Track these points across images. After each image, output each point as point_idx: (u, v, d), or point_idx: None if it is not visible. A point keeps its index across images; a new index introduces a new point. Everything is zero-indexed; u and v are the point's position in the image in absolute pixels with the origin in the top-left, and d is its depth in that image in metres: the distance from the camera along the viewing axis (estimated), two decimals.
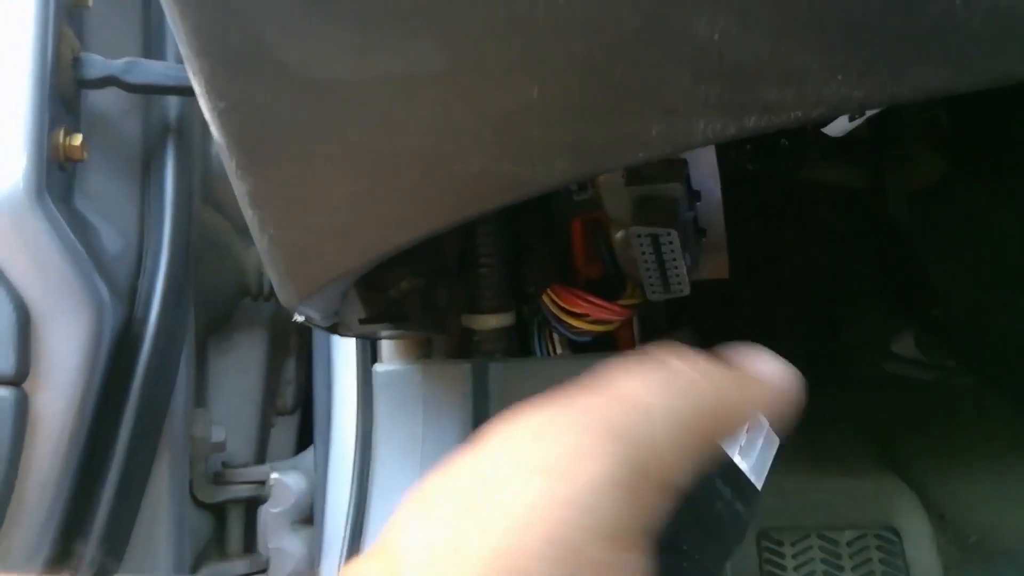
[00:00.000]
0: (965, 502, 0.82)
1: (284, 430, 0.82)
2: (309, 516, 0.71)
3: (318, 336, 0.68)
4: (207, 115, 0.31)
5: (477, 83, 0.32)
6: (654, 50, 0.31)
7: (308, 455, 0.74)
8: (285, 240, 0.35)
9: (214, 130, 0.31)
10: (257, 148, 0.32)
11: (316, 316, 0.43)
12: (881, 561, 0.74)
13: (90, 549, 0.52)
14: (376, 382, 0.54)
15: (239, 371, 0.79)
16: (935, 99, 0.32)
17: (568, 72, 0.32)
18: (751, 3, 0.30)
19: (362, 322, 0.44)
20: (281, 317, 0.81)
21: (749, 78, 0.32)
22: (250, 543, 0.73)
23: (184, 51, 0.29)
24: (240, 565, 0.70)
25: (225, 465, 0.73)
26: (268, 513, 0.70)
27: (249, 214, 0.34)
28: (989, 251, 0.83)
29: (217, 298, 0.73)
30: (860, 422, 0.90)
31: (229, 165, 0.32)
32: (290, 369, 0.83)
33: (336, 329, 0.46)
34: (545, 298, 0.54)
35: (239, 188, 0.33)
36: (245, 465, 0.74)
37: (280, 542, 0.69)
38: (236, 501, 0.72)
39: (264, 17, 0.29)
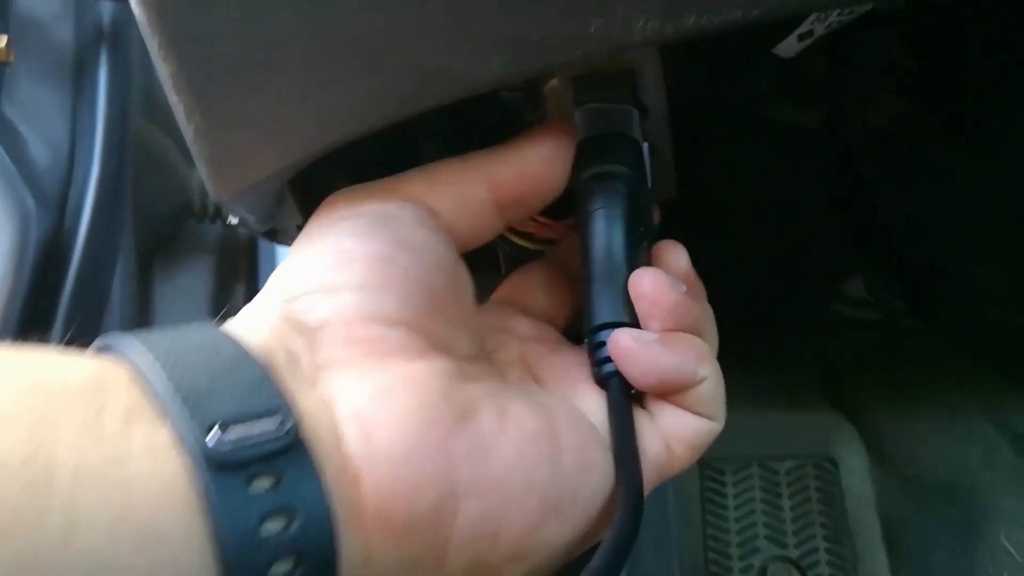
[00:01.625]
0: (908, 439, 0.84)
1: None
2: None
3: (265, 258, 0.67)
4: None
5: None
6: None
7: None
8: (210, 131, 0.33)
9: (135, 8, 0.30)
10: (179, 29, 0.31)
11: (251, 218, 0.42)
12: (817, 488, 0.76)
13: None
14: None
15: (185, 297, 0.78)
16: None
17: None
18: None
19: (299, 228, 0.43)
20: (229, 241, 0.80)
21: None
22: None
23: None
24: None
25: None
26: None
27: (173, 100, 0.33)
28: (940, 193, 0.85)
29: (159, 217, 0.72)
30: (808, 360, 0.91)
31: (151, 46, 0.31)
32: (239, 295, 0.82)
33: (274, 236, 0.45)
34: None
35: (162, 71, 0.32)
36: None
37: None
38: None
39: None
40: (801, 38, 0.47)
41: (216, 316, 0.77)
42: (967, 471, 0.79)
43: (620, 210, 0.40)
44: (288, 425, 0.25)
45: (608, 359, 0.36)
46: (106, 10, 0.57)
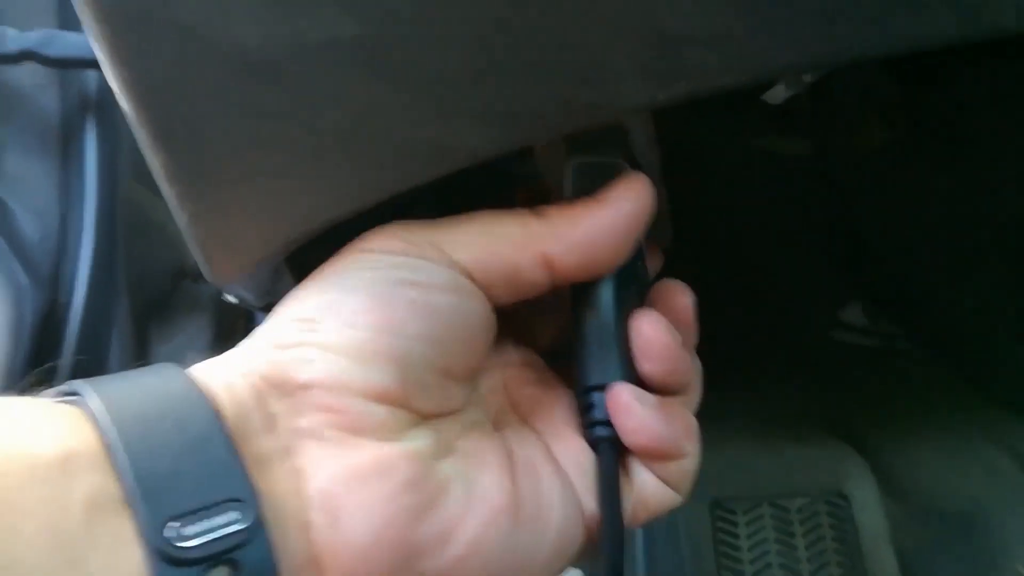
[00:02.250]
0: (912, 466, 0.84)
1: None
2: None
3: (262, 315, 0.67)
4: (113, 85, 0.29)
5: (394, 50, 0.31)
6: (580, 15, 0.30)
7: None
8: (205, 217, 0.33)
9: (121, 101, 0.30)
10: (167, 120, 0.30)
11: (248, 296, 0.41)
12: (831, 526, 0.75)
13: None
14: None
15: (183, 357, 0.77)
16: (868, 61, 0.31)
17: (491, 39, 0.31)
18: None
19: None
20: (226, 302, 0.80)
21: (676, 42, 0.31)
22: None
23: (84, 16, 0.28)
24: None
25: None
26: None
27: (166, 189, 0.33)
28: (933, 221, 0.85)
29: (153, 280, 0.71)
30: (810, 390, 0.91)
31: (140, 137, 0.31)
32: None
33: (271, 309, 0.45)
34: None
35: (152, 162, 0.32)
36: None
37: None
38: None
39: None
40: (789, 86, 0.48)
41: None
42: (977, 499, 0.78)
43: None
44: (251, 516, 0.25)
45: (600, 422, 0.36)
46: (92, 78, 0.57)
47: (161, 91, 0.30)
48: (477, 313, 0.34)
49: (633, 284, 0.41)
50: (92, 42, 0.28)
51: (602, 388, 0.36)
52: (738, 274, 0.95)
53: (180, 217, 0.33)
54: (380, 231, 0.35)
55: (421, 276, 0.33)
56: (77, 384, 0.28)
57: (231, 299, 0.39)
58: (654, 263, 0.47)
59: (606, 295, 0.39)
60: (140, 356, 0.74)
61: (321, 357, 0.30)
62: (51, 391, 0.30)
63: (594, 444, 0.36)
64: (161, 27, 0.28)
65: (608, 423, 0.36)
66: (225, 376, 0.29)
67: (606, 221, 0.36)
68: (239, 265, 0.35)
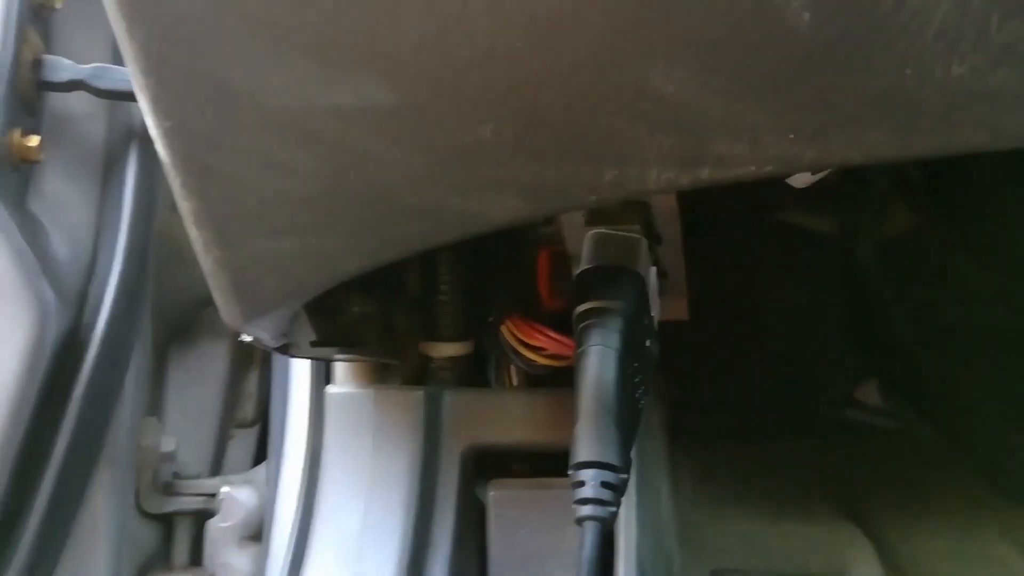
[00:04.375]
0: (924, 557, 0.82)
1: (243, 443, 0.81)
2: (258, 532, 0.70)
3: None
4: (152, 132, 0.31)
5: (428, 120, 0.32)
6: (608, 99, 0.31)
7: (262, 469, 0.73)
8: (229, 264, 0.34)
9: (158, 148, 0.31)
10: (202, 170, 0.32)
11: (264, 336, 0.42)
12: None
13: (14, 569, 0.50)
14: (327, 404, 0.54)
15: (199, 382, 0.78)
16: (886, 163, 0.32)
17: (522, 115, 0.32)
18: (707, 60, 0.30)
19: (313, 345, 0.44)
20: None
21: (702, 131, 0.32)
22: (197, 557, 0.72)
23: (130, 67, 0.29)
24: None
25: (176, 476, 0.72)
26: (215, 527, 0.69)
27: (193, 234, 0.34)
28: (953, 307, 0.84)
29: (178, 307, 0.72)
30: (822, 469, 0.89)
31: (173, 183, 0.32)
32: (252, 381, 0.82)
33: (287, 350, 0.45)
34: (504, 329, 0.54)
35: (183, 207, 0.33)
36: (198, 476, 0.73)
37: (227, 557, 0.68)
38: (185, 513, 0.71)
39: (214, 42, 0.29)
40: (814, 171, 0.48)
41: (229, 401, 0.77)
42: None
43: (614, 348, 0.40)
44: None
45: (585, 500, 0.36)
46: (137, 110, 0.58)
47: (198, 143, 0.31)
48: None
49: (638, 360, 0.41)
50: (136, 92, 0.30)
51: (595, 466, 0.36)
52: (756, 347, 0.94)
53: (204, 261, 0.34)
54: None
55: None
56: None
57: (246, 339, 0.39)
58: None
59: (608, 370, 0.39)
60: (157, 379, 0.75)
61: None
62: None
63: (580, 520, 0.36)
64: (205, 84, 0.30)
65: (597, 501, 0.36)
66: None
67: None
68: (258, 311, 0.36)
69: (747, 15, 0.29)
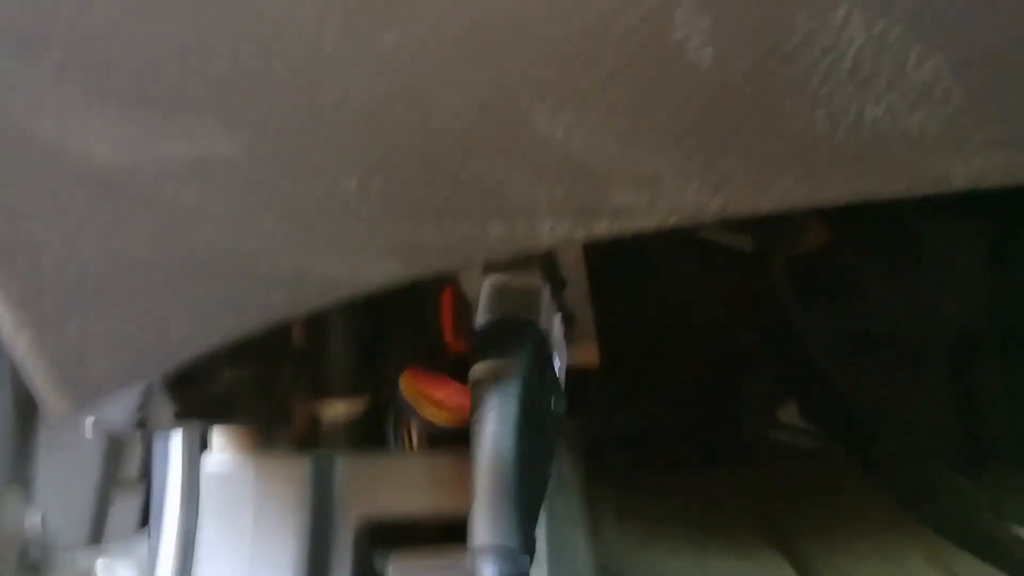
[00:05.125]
0: None
1: (128, 504, 0.74)
2: None
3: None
4: None
5: (279, 173, 0.27)
6: (489, 145, 0.27)
7: (143, 539, 0.66)
8: (46, 347, 0.28)
9: None
10: (6, 236, 0.26)
11: (111, 415, 0.37)
12: None
13: None
14: (203, 475, 0.48)
15: (72, 440, 0.71)
16: (797, 209, 0.29)
17: (391, 166, 0.27)
18: (598, 100, 0.26)
19: (177, 416, 0.38)
20: None
21: (596, 180, 0.28)
22: None
23: None
24: None
25: (49, 550, 0.64)
26: None
27: (0, 311, 0.28)
28: (864, 323, 0.83)
29: None
30: (745, 496, 0.88)
31: None
32: (135, 438, 0.75)
33: (144, 425, 0.40)
34: (403, 381, 0.49)
35: None
36: (74, 548, 0.66)
37: None
38: None
39: (8, 88, 0.24)
40: (721, 220, 0.45)
41: (110, 459, 0.70)
42: None
43: (511, 415, 0.36)
44: None
45: None
46: None
47: None
48: None
49: (541, 424, 0.38)
50: None
51: (493, 550, 0.33)
52: (674, 371, 0.92)
53: (16, 344, 0.28)
54: None
55: None
56: None
57: (89, 424, 0.34)
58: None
59: (505, 440, 0.35)
60: (22, 442, 0.67)
61: None
62: None
63: None
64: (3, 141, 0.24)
65: None
66: None
67: None
68: (87, 398, 0.30)
69: (641, 51, 0.25)
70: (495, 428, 0.35)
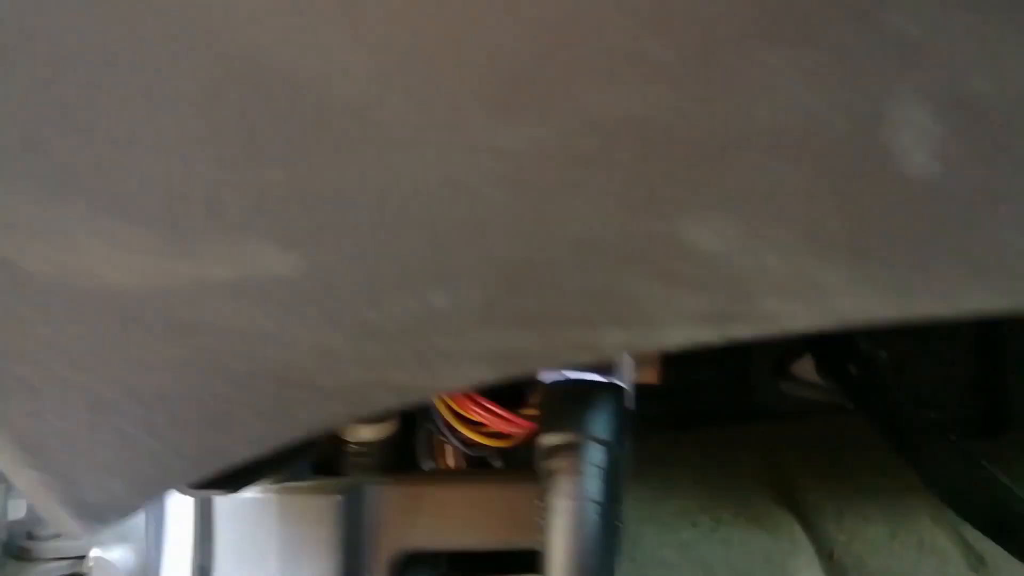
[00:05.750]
0: (860, 547, 0.81)
1: None
2: None
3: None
4: None
5: (350, 289, 0.21)
6: (621, 253, 0.21)
7: (137, 520, 0.62)
8: (53, 484, 0.23)
9: None
10: (11, 370, 0.20)
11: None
12: None
13: None
14: (217, 513, 0.43)
15: None
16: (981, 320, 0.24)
17: (490, 275, 0.21)
18: (762, 210, 0.20)
19: (191, 487, 0.33)
20: None
21: (745, 288, 0.23)
22: None
23: None
24: None
25: (31, 537, 0.60)
26: None
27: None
28: None
29: None
30: (757, 454, 0.86)
31: None
32: None
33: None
34: (438, 401, 0.44)
35: None
36: (53, 536, 0.61)
37: None
38: None
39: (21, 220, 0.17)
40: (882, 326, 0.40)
41: None
42: None
43: (594, 500, 0.31)
44: None
45: None
46: None
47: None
48: None
49: (617, 495, 0.33)
50: None
51: None
52: None
53: (18, 480, 0.23)
54: None
55: None
56: None
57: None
58: None
59: (586, 528, 0.30)
60: None
61: None
62: None
63: None
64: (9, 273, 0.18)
65: None
66: None
67: None
68: (104, 519, 0.25)
69: (852, 165, 0.19)
70: (575, 518, 0.30)
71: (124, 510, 0.25)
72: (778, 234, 0.21)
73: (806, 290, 0.23)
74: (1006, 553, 0.70)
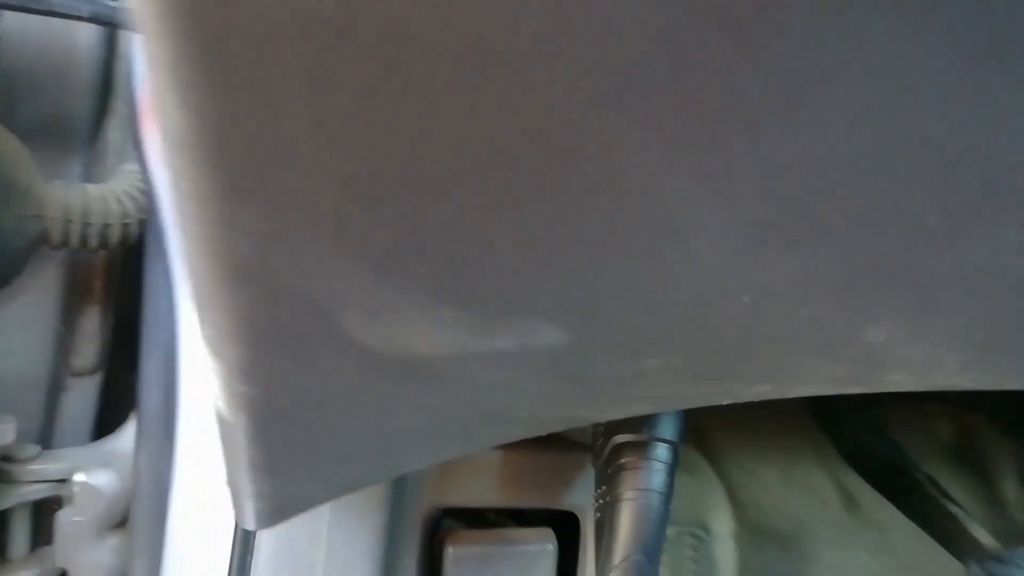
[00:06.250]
0: (758, 489, 0.90)
1: (81, 395, 0.68)
2: (120, 520, 0.60)
3: (153, 284, 0.52)
4: (219, 398, 0.20)
5: (592, 356, 0.24)
6: (802, 343, 0.25)
7: (120, 443, 0.62)
8: (275, 495, 0.25)
9: (221, 404, 0.21)
10: (282, 423, 0.22)
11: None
12: (693, 560, 0.80)
13: None
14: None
15: (22, 327, 0.63)
16: None
17: (694, 346, 0.25)
18: (937, 322, 0.25)
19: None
20: (80, 258, 0.65)
21: (884, 365, 0.27)
22: (41, 542, 0.61)
23: (207, 332, 0.18)
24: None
25: (10, 459, 0.58)
26: (69, 522, 0.58)
27: (242, 465, 0.24)
28: None
29: (6, 252, 0.56)
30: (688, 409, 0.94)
31: (238, 429, 0.22)
32: (92, 321, 0.68)
33: None
34: None
35: (238, 455, 0.23)
36: (34, 458, 0.60)
37: (85, 554, 0.58)
38: (23, 505, 0.59)
39: (338, 294, 0.19)
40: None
41: (63, 342, 0.63)
42: (800, 521, 0.85)
43: (659, 492, 0.36)
44: None
45: None
46: None
47: (285, 402, 0.21)
48: None
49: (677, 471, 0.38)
50: (210, 360, 0.19)
51: None
52: None
53: (235, 459, 0.25)
54: None
55: None
56: None
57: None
58: None
59: (652, 518, 0.36)
60: None
61: None
62: None
63: None
64: (315, 343, 0.19)
65: None
66: None
67: None
68: (287, 515, 0.27)
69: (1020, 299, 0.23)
70: (641, 510, 0.35)
71: (307, 506, 0.28)
72: (933, 336, 0.25)
73: (928, 369, 0.28)
74: (879, 498, 0.81)
